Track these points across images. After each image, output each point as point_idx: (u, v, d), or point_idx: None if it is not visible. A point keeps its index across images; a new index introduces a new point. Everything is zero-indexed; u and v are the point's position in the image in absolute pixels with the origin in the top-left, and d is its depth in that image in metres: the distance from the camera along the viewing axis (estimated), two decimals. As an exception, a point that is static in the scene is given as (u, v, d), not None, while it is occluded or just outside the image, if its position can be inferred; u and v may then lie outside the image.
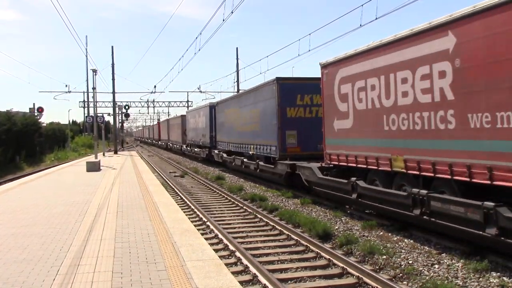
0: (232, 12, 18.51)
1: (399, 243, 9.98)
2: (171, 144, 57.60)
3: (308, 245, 10.06)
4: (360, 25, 16.55)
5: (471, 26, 8.74)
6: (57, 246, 7.96)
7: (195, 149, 39.46)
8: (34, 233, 9.05)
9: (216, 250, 8.93)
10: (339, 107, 13.76)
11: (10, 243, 8.23)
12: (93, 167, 25.02)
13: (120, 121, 65.91)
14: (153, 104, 74.48)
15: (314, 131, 16.64)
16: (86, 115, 54.41)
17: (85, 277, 6.20)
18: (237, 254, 9.51)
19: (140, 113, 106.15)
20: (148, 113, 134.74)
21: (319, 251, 9.50)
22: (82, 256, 7.24)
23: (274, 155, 19.11)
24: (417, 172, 10.32)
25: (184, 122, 45.58)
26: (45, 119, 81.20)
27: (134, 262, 6.88)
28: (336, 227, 11.69)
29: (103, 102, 68.63)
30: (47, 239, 8.47)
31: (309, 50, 26.46)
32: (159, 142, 73.19)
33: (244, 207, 15.41)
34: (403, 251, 9.37)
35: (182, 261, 6.86)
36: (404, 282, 7.83)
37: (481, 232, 8.18)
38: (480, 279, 7.63)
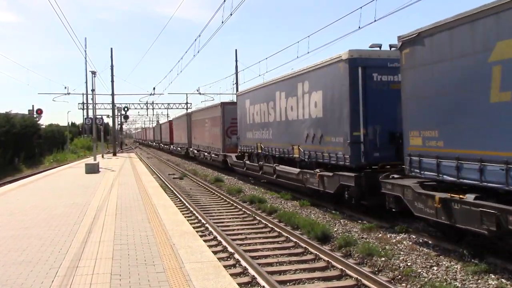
0: (231, 14, 18.36)
1: (398, 245, 9.99)
2: (196, 151, 38.10)
3: (307, 247, 10.06)
4: (359, 27, 16.48)
5: None
6: (56, 248, 7.95)
7: (279, 168, 18.33)
8: (33, 235, 9.05)
9: (215, 252, 8.93)
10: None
11: (9, 245, 8.23)
12: (92, 169, 24.99)
13: (119, 123, 65.99)
14: (152, 106, 74.52)
15: None
16: (85, 117, 54.47)
17: (84, 279, 6.20)
18: (236, 256, 9.51)
19: (139, 115, 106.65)
20: (147, 115, 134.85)
21: (318, 253, 9.50)
22: (81, 258, 7.23)
23: None
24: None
25: (230, 113, 27.50)
26: (44, 121, 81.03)
27: (133, 264, 6.88)
28: (335, 229, 11.70)
29: (102, 104, 68.55)
30: (46, 241, 8.46)
31: (308, 52, 26.18)
32: (171, 146, 55.53)
33: (243, 209, 15.40)
34: (401, 253, 9.37)
35: (181, 263, 6.85)
36: (403, 284, 7.84)
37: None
38: (479, 281, 7.64)
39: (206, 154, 33.59)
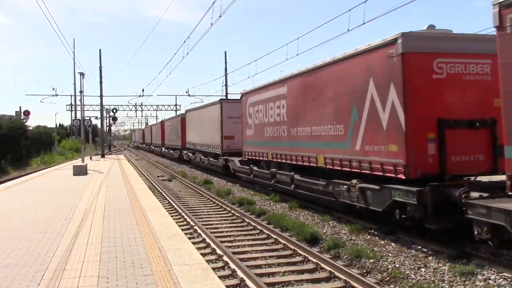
0: (220, 16, 18.49)
1: (386, 246, 10.03)
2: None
3: (296, 249, 10.06)
4: (348, 29, 16.66)
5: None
6: (43, 250, 7.86)
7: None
8: (19, 237, 8.94)
9: (203, 255, 8.88)
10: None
11: (-6, 248, 8.12)
12: (80, 171, 24.79)
13: (107, 124, 65.56)
14: (141, 108, 74.24)
15: None
16: (73, 118, 54.04)
17: (71, 282, 6.13)
18: (225, 258, 9.48)
19: (128, 116, 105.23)
20: (136, 116, 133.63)
21: (306, 255, 9.51)
22: (68, 261, 7.16)
23: None
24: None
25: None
26: (31, 123, 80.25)
27: (121, 266, 6.82)
28: (324, 231, 11.72)
29: (91, 105, 68.10)
30: (32, 244, 8.37)
31: (297, 55, 26.46)
32: (212, 160, 28.89)
33: (232, 211, 15.38)
34: (390, 254, 9.41)
35: (169, 266, 6.81)
36: (391, 286, 7.87)
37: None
38: (466, 282, 7.69)
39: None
